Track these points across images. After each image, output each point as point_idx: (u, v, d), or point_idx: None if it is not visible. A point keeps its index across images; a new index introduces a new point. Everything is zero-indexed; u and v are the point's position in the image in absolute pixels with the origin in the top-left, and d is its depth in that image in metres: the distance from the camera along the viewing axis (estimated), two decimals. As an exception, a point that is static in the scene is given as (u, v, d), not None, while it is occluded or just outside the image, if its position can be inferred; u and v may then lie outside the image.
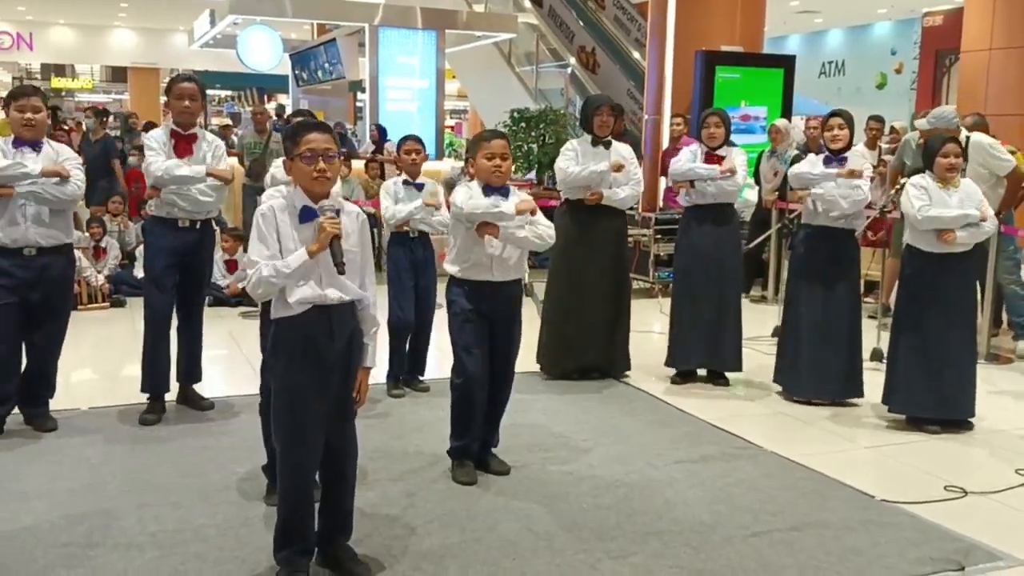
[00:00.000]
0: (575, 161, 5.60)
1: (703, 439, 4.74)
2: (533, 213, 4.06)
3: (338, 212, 2.99)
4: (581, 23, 14.36)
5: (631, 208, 8.94)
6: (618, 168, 5.56)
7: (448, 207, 4.51)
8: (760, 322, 6.81)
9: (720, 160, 5.57)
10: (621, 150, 5.70)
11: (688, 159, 5.64)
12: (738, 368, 5.75)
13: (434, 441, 4.45)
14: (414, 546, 3.41)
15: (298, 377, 2.98)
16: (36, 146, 4.44)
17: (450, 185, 8.11)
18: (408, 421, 4.93)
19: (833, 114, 5.40)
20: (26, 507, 3.69)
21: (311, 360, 2.98)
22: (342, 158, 3.20)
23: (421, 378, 5.55)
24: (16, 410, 4.62)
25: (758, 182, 8.59)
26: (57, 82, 29.01)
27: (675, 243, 6.05)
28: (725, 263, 5.69)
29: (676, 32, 9.58)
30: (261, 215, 3.00)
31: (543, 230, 4.11)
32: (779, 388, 5.50)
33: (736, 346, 5.73)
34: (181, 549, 3.35)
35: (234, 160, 8.03)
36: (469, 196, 4.00)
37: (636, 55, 13.05)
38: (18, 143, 4.41)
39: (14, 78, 28.63)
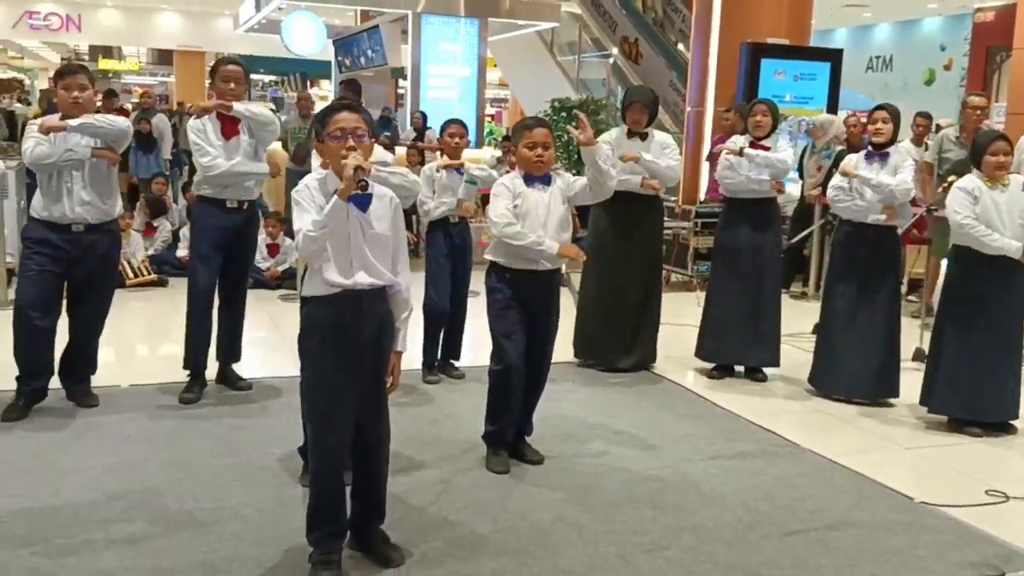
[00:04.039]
0: (610, 152, 5.52)
1: (739, 435, 4.69)
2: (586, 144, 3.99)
3: (368, 185, 2.87)
4: (624, 12, 14.26)
5: (671, 199, 8.92)
6: (632, 159, 5.46)
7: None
8: (800, 318, 6.73)
9: (766, 151, 5.51)
10: (659, 139, 5.64)
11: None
12: (775, 363, 5.69)
13: (468, 428, 4.45)
14: (446, 533, 3.42)
15: (327, 360, 2.97)
16: None
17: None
18: (442, 407, 4.94)
19: (878, 107, 5.30)
20: (66, 482, 3.75)
21: (340, 344, 2.97)
22: (374, 142, 3.13)
23: (456, 365, 5.56)
24: (59, 384, 4.70)
25: (802, 177, 8.48)
26: (105, 63, 29.40)
27: (715, 236, 5.99)
28: (765, 258, 5.63)
29: (722, 23, 9.46)
30: (297, 191, 2.98)
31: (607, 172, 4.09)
32: (817, 385, 5.43)
33: (774, 342, 5.67)
34: (218, 528, 3.39)
35: (278, 145, 8.08)
36: (509, 221, 3.91)
37: (680, 46, 12.93)
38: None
39: (63, 59, 29.07)
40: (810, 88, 9.51)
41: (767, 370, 5.72)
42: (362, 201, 2.93)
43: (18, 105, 18.00)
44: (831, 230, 6.86)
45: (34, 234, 4.47)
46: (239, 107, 4.75)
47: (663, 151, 5.57)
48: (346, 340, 2.97)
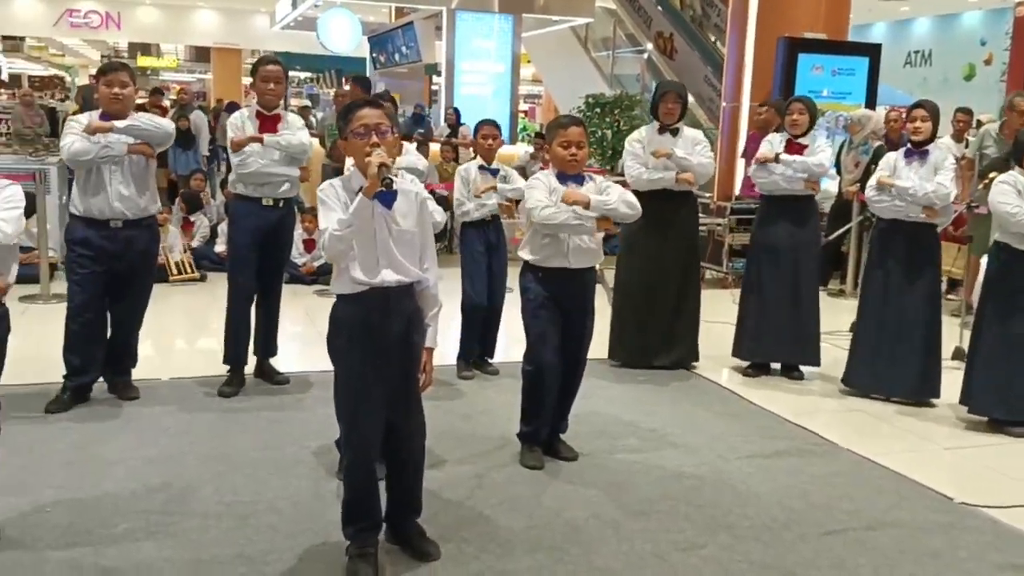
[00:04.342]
0: (641, 151, 5.53)
1: (776, 434, 4.66)
2: (586, 207, 3.93)
3: (392, 182, 2.85)
4: (659, 8, 14.19)
5: (706, 196, 8.86)
6: (665, 155, 5.44)
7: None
8: (838, 316, 6.66)
9: (802, 149, 5.46)
10: (689, 135, 5.60)
11: (767, 149, 5.57)
12: (815, 362, 5.64)
13: (502, 424, 4.46)
14: (481, 528, 3.43)
15: (355, 359, 2.98)
16: (122, 119, 4.53)
17: (521, 170, 8.09)
18: (476, 403, 4.95)
19: (916, 105, 5.21)
20: (107, 473, 3.81)
21: (368, 342, 2.97)
22: (399, 138, 3.11)
23: (490, 361, 5.57)
24: (100, 378, 4.77)
25: (839, 173, 8.40)
26: (143, 60, 29.77)
27: (751, 233, 5.94)
28: (801, 255, 5.57)
29: (758, 18, 9.38)
30: (322, 191, 2.98)
31: (629, 199, 4.04)
32: (853, 384, 5.37)
33: (813, 340, 5.62)
34: (255, 520, 3.43)
35: (315, 141, 8.14)
36: (544, 204, 3.93)
37: (715, 40, 12.84)
38: (105, 117, 4.52)
39: (102, 56, 29.51)
40: (848, 83, 9.42)
41: (804, 368, 5.67)
42: (387, 198, 2.91)
43: (58, 102, 18.31)
44: (869, 226, 6.80)
45: (76, 235, 4.53)
46: (270, 140, 4.81)
47: (694, 147, 5.52)
48: (373, 338, 2.97)
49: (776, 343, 5.62)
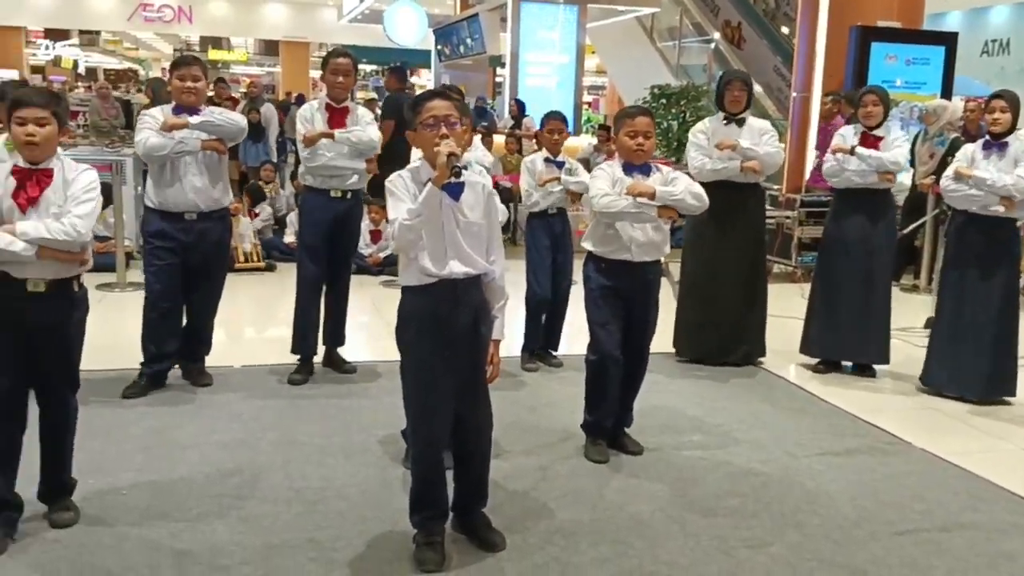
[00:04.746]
0: (706, 143, 5.45)
1: (846, 431, 4.57)
2: (652, 198, 3.92)
3: (460, 172, 2.87)
4: (728, -3, 13.97)
5: (774, 188, 8.72)
6: (729, 147, 5.35)
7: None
8: (911, 312, 6.51)
9: (877, 141, 5.32)
10: (755, 125, 5.50)
11: (839, 142, 5.44)
12: (884, 360, 5.51)
13: (566, 416, 4.45)
14: (546, 519, 3.44)
15: (424, 351, 3.00)
16: (195, 112, 4.63)
17: (585, 162, 8.06)
18: (541, 395, 4.96)
19: (996, 95, 5.04)
20: (182, 457, 3.91)
21: (436, 333, 2.99)
22: (470, 131, 3.12)
23: (554, 353, 5.57)
24: (175, 365, 4.89)
25: (913, 164, 8.19)
26: (214, 54, 30.34)
27: (823, 226, 5.82)
28: (875, 251, 5.43)
29: (830, 6, 9.18)
30: (391, 182, 2.99)
31: (696, 190, 3.99)
32: (930, 383, 5.24)
33: (883, 337, 5.48)
34: (324, 506, 3.48)
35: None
36: (604, 192, 3.92)
37: (785, 29, 12.61)
38: (178, 109, 4.62)
39: (175, 50, 30.17)
40: (923, 73, 9.17)
41: (876, 366, 5.54)
42: (455, 190, 2.93)
43: (133, 94, 18.79)
44: (944, 220, 6.61)
45: (152, 227, 4.64)
46: (341, 136, 4.87)
47: (761, 137, 5.43)
48: (441, 330, 2.99)
49: (846, 341, 5.50)
